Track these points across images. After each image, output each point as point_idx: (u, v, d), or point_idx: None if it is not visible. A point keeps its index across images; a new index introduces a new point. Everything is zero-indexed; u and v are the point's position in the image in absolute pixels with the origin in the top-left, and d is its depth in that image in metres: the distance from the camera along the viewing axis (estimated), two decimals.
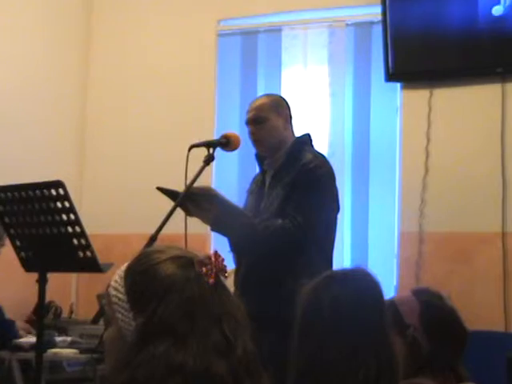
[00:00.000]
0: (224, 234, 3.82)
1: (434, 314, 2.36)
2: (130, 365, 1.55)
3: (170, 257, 1.67)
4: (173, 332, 1.57)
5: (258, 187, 3.89)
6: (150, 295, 1.61)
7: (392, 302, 2.34)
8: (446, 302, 2.42)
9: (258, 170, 4.04)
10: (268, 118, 3.81)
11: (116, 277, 1.69)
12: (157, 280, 1.63)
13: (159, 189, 3.51)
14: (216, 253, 1.69)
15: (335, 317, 1.94)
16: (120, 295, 1.65)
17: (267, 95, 4.00)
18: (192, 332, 1.57)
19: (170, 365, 1.53)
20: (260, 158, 3.95)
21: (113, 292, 1.67)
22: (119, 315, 1.64)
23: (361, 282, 2.01)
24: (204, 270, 1.65)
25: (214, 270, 1.66)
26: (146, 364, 1.53)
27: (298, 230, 3.58)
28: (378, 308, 1.98)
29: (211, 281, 1.64)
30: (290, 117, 3.91)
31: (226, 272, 1.69)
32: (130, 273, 1.68)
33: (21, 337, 4.76)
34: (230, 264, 4.88)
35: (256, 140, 3.84)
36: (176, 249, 1.72)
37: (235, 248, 3.90)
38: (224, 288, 1.69)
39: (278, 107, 3.86)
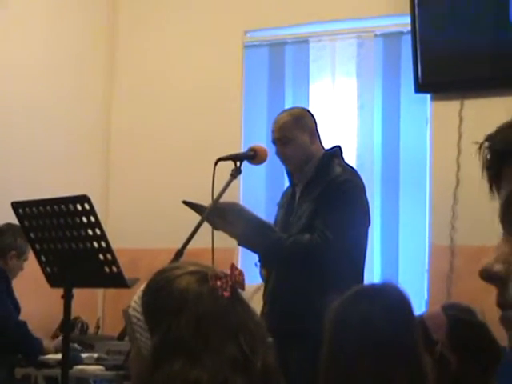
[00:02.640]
0: (252, 248, 3.80)
1: (462, 329, 2.31)
2: None
3: (184, 272, 1.67)
4: (187, 348, 1.57)
5: (288, 201, 3.86)
6: (163, 313, 1.62)
7: (421, 318, 2.28)
8: (476, 317, 2.36)
9: (287, 183, 4.00)
10: (293, 137, 3.78)
11: (135, 297, 1.70)
12: (169, 297, 1.63)
13: (185, 203, 3.51)
14: (233, 266, 1.66)
15: (364, 334, 1.91)
16: (138, 315, 1.66)
17: (289, 111, 3.96)
18: (206, 347, 1.57)
19: (185, 381, 1.53)
20: (290, 172, 3.91)
21: (132, 312, 1.68)
22: (138, 335, 1.65)
23: (390, 298, 1.98)
24: (218, 283, 1.63)
25: (230, 284, 1.64)
26: (162, 383, 1.54)
27: (326, 245, 3.56)
28: (408, 324, 1.95)
29: (226, 294, 1.63)
30: (316, 128, 3.86)
31: (243, 285, 1.66)
32: (145, 292, 1.68)
33: (47, 353, 4.74)
34: (256, 278, 4.85)
35: (284, 159, 3.81)
36: (192, 264, 1.71)
37: (263, 262, 3.88)
38: (241, 302, 1.67)
39: (302, 122, 3.82)
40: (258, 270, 4.92)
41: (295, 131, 3.79)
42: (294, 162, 3.81)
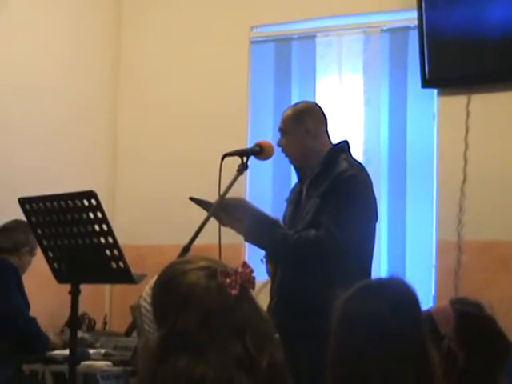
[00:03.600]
0: (258, 244, 3.81)
1: (470, 323, 2.31)
2: (153, 379, 1.55)
3: (194, 267, 1.66)
4: (193, 343, 1.56)
5: (296, 197, 3.86)
6: (171, 306, 1.61)
7: (428, 312, 2.28)
8: (484, 311, 2.36)
9: (294, 179, 4.02)
10: (289, 131, 3.82)
11: (147, 287, 1.69)
12: (178, 291, 1.62)
13: (192, 199, 3.51)
14: (244, 263, 1.66)
15: (371, 328, 1.90)
16: (147, 306, 1.65)
17: (295, 105, 3.98)
18: (212, 344, 1.56)
19: (190, 377, 1.52)
20: (297, 167, 3.91)
21: (142, 303, 1.67)
22: (146, 326, 1.64)
23: (396, 291, 1.97)
24: (228, 280, 1.62)
25: (239, 281, 1.63)
26: (167, 379, 1.54)
27: (332, 241, 3.55)
28: (415, 318, 1.94)
29: (234, 292, 1.62)
30: (324, 123, 3.86)
31: (253, 283, 1.65)
32: (155, 284, 1.67)
33: (55, 349, 4.75)
34: (263, 274, 4.85)
35: (282, 150, 3.84)
36: (204, 259, 1.70)
37: (270, 258, 3.89)
38: (250, 300, 1.66)
39: (303, 118, 3.82)
40: (264, 266, 4.94)
41: (293, 125, 3.82)
42: (289, 154, 3.84)
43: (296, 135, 3.80)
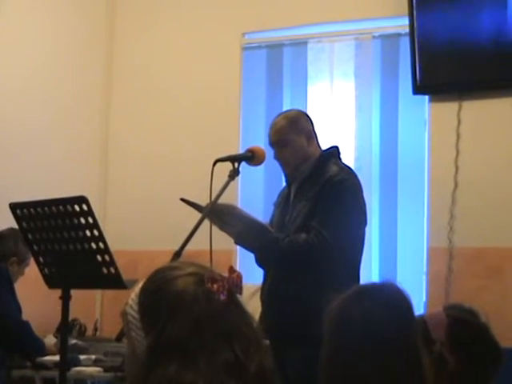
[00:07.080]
0: (248, 247, 3.81)
1: (462, 329, 2.31)
2: None
3: (181, 274, 1.65)
4: (181, 351, 1.55)
5: (284, 200, 3.87)
6: (158, 314, 1.60)
7: (421, 317, 2.29)
8: (477, 318, 2.36)
9: (284, 183, 4.00)
10: (289, 141, 3.79)
11: (133, 294, 1.68)
12: (165, 298, 1.61)
13: (183, 200, 3.51)
14: (231, 268, 1.65)
15: (365, 332, 1.91)
16: (134, 313, 1.64)
17: (285, 114, 3.96)
18: (201, 350, 1.55)
19: None
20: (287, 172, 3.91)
21: (128, 310, 1.66)
22: (133, 334, 1.63)
23: (390, 295, 1.98)
24: (215, 286, 1.62)
25: (227, 287, 1.62)
26: None
27: (322, 245, 3.56)
28: (408, 322, 1.95)
29: (222, 298, 1.61)
30: (313, 130, 3.87)
31: (241, 289, 1.64)
32: (142, 291, 1.66)
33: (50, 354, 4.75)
34: (255, 279, 4.84)
35: (282, 163, 3.82)
36: (191, 265, 1.69)
37: (260, 263, 3.88)
38: (238, 305, 1.66)
39: (298, 125, 3.82)
40: (256, 270, 4.92)
41: (291, 134, 3.80)
42: (291, 164, 3.81)
43: (298, 143, 3.78)
